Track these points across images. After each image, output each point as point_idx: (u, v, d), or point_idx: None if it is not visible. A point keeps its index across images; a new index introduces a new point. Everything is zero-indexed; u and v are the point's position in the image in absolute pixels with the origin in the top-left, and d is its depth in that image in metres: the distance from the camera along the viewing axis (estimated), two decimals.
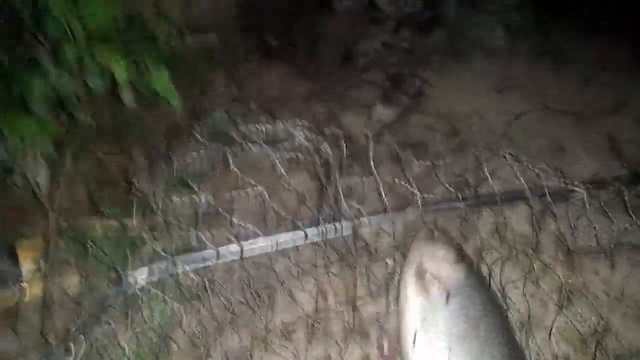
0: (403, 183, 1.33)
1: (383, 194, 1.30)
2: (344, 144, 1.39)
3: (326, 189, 1.33)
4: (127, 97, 1.44)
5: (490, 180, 1.37)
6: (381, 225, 1.34)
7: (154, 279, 1.16)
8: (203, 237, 1.21)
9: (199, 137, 1.30)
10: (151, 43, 1.49)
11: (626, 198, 1.34)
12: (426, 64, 2.23)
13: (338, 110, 1.91)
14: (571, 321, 1.20)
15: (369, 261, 1.33)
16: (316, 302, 1.27)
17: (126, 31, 1.44)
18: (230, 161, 1.26)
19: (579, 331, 1.17)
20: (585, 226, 1.39)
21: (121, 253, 1.18)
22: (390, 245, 1.35)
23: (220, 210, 1.25)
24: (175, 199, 1.23)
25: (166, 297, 1.14)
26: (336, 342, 1.21)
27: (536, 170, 1.37)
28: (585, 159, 1.70)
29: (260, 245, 1.27)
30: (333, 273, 1.31)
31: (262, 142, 1.26)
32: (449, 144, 1.75)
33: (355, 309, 1.26)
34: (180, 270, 1.21)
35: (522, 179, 1.34)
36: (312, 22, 2.46)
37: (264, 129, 1.31)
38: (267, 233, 1.26)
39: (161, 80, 1.39)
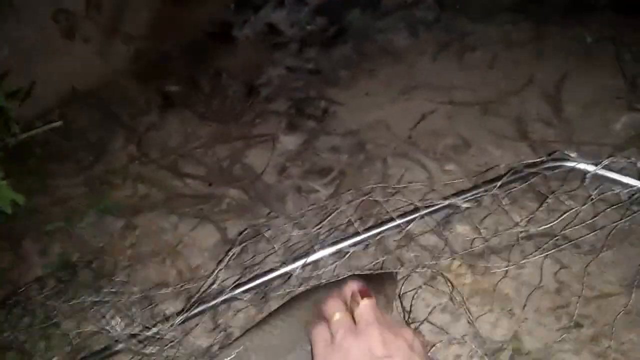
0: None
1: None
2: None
3: None
4: None
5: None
6: None
7: None
8: None
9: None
10: None
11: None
12: (334, 82, 2.18)
13: (242, 149, 1.85)
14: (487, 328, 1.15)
15: None
16: None
17: None
18: None
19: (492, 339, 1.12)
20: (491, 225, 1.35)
21: None
22: None
23: None
24: None
25: None
26: None
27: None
28: (492, 150, 1.67)
29: None
30: None
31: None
32: (354, 161, 1.71)
33: None
34: None
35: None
36: (213, 60, 2.41)
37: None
38: None
39: None
